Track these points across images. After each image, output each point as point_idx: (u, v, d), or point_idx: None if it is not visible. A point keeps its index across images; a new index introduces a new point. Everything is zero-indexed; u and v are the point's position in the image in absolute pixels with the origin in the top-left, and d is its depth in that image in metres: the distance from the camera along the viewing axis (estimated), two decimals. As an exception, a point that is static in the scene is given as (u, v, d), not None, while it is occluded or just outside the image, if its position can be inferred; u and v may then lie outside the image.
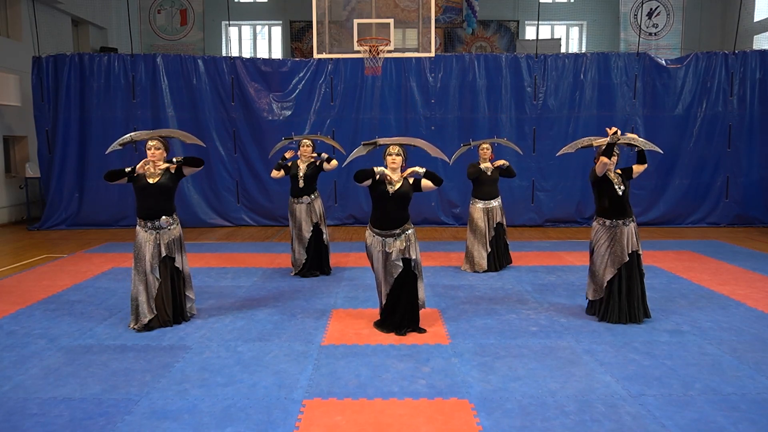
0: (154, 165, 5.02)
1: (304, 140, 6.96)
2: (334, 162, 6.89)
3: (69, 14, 13.68)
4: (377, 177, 4.77)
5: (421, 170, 4.84)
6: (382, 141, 4.97)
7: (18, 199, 11.99)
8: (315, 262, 6.98)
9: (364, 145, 4.95)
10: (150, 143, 5.01)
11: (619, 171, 5.21)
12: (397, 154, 4.84)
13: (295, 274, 6.97)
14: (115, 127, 10.66)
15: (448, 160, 5.46)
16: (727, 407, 3.57)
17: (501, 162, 7.15)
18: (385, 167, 4.88)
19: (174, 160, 5.08)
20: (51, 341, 4.75)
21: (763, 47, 13.15)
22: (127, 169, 5.00)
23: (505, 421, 3.41)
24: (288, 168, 6.92)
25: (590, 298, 5.40)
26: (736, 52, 10.96)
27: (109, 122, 10.82)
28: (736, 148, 10.99)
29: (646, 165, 5.34)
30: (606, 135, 5.01)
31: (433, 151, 5.15)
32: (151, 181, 5.00)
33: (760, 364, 4.24)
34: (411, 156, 5.08)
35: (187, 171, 5.16)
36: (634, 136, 5.36)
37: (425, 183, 4.88)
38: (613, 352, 4.49)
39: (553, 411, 3.53)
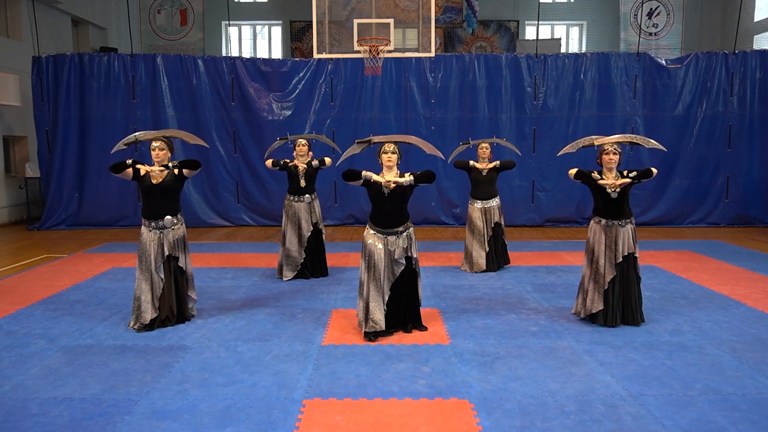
0: (158, 166, 5.04)
1: (300, 140, 6.88)
2: (328, 160, 6.89)
3: (69, 14, 13.69)
4: (362, 182, 4.71)
5: (409, 178, 4.70)
6: (376, 139, 4.90)
7: (18, 199, 11.99)
8: (314, 263, 6.93)
9: (358, 143, 4.88)
10: (154, 144, 5.02)
11: (626, 172, 4.99)
12: (393, 152, 4.78)
13: (294, 277, 6.79)
14: (115, 127, 10.69)
15: (443, 157, 5.40)
16: (727, 407, 3.57)
17: (493, 164, 7.12)
18: (381, 166, 4.84)
19: (170, 165, 5.07)
20: (51, 341, 4.75)
21: (763, 47, 13.14)
22: (129, 161, 5.01)
23: (505, 421, 3.41)
24: (285, 166, 6.78)
25: (585, 314, 5.17)
26: (736, 52, 10.95)
27: (109, 122, 10.83)
28: (736, 148, 10.99)
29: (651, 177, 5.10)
30: (607, 135, 4.93)
31: (428, 149, 5.08)
32: (154, 182, 5.01)
33: (760, 364, 4.24)
34: (406, 154, 5.04)
35: (187, 173, 5.17)
36: (634, 136, 5.25)
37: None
38: (613, 352, 4.49)
39: (553, 411, 3.53)
